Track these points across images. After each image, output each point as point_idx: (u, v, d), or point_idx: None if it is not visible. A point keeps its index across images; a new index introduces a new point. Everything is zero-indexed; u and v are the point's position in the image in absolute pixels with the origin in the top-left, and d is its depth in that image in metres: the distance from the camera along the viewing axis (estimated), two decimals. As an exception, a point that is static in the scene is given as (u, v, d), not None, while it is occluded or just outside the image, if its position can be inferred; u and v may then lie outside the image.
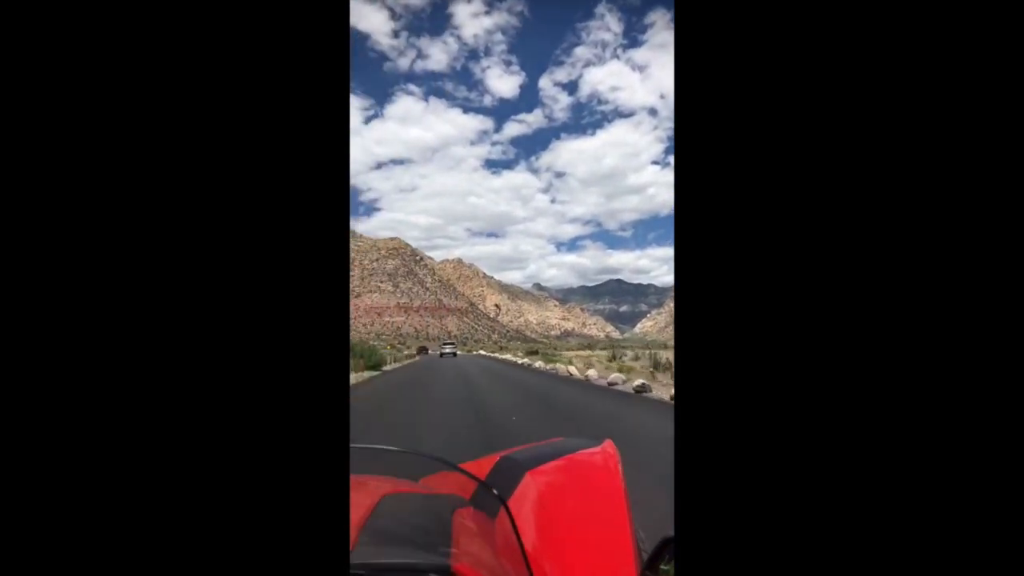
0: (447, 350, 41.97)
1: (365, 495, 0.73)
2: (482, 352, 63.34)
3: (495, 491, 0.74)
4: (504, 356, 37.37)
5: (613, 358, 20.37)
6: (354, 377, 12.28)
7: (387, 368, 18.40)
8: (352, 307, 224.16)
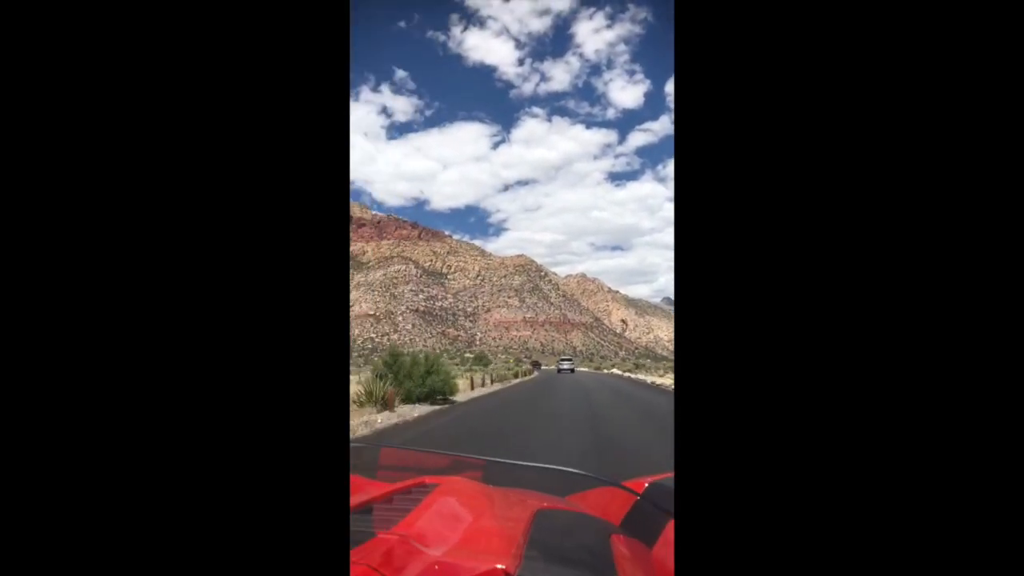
0: (565, 366, 41.14)
1: (521, 508, 0.72)
2: (616, 371, 48.01)
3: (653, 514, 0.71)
4: (658, 380, 23.51)
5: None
6: (380, 418, 7.63)
7: (461, 398, 11.70)
8: (482, 321, 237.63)
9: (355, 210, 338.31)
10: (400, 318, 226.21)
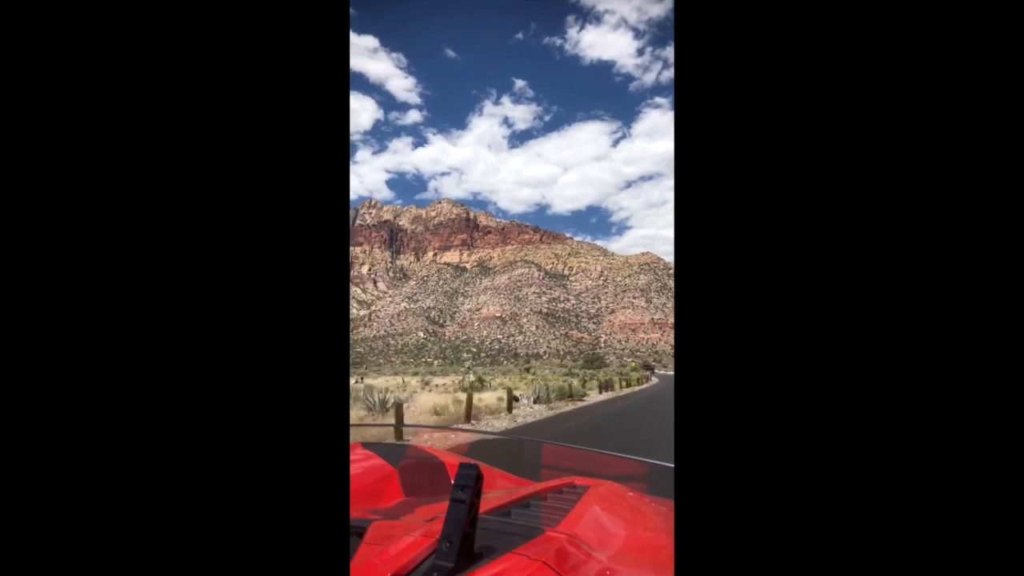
0: None
1: (669, 521, 0.71)
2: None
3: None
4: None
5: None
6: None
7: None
8: (606, 323, 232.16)
9: (481, 219, 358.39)
10: (524, 320, 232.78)
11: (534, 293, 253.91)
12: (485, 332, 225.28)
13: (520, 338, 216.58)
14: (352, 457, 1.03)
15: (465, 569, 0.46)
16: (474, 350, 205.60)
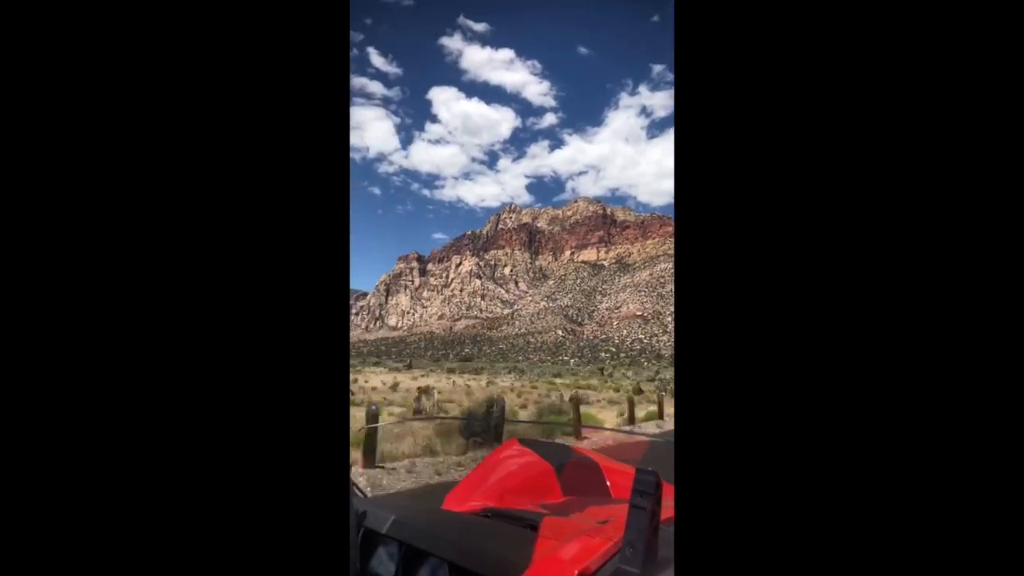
0: None
1: None
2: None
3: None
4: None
5: None
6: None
7: None
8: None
9: (618, 214, 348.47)
10: (670, 319, 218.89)
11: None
12: (625, 331, 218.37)
13: (664, 338, 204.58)
14: (508, 452, 1.08)
15: None
16: (612, 349, 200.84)
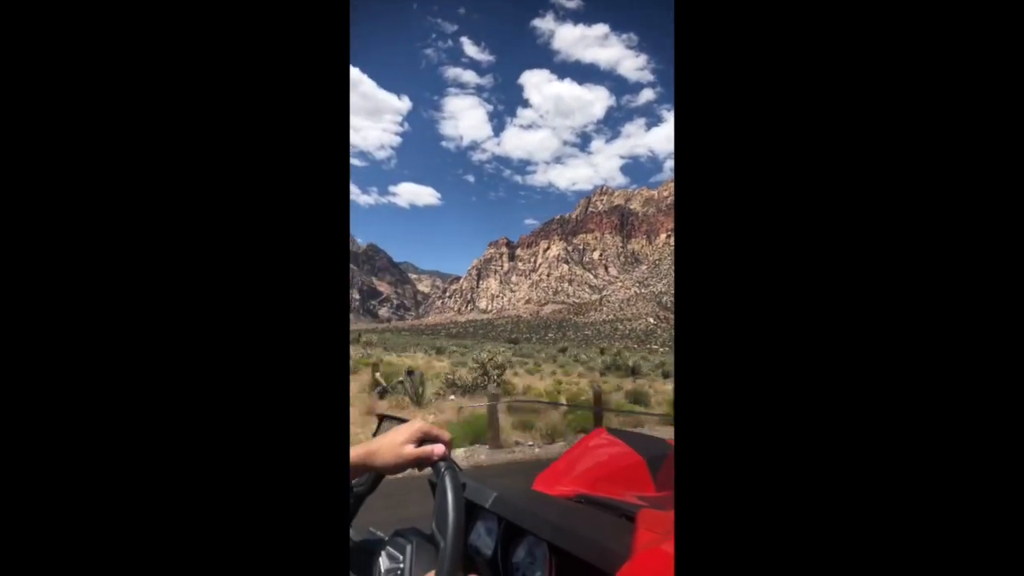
0: None
1: None
2: None
3: None
4: None
5: None
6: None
7: None
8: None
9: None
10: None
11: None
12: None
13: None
14: (597, 441, 1.07)
15: None
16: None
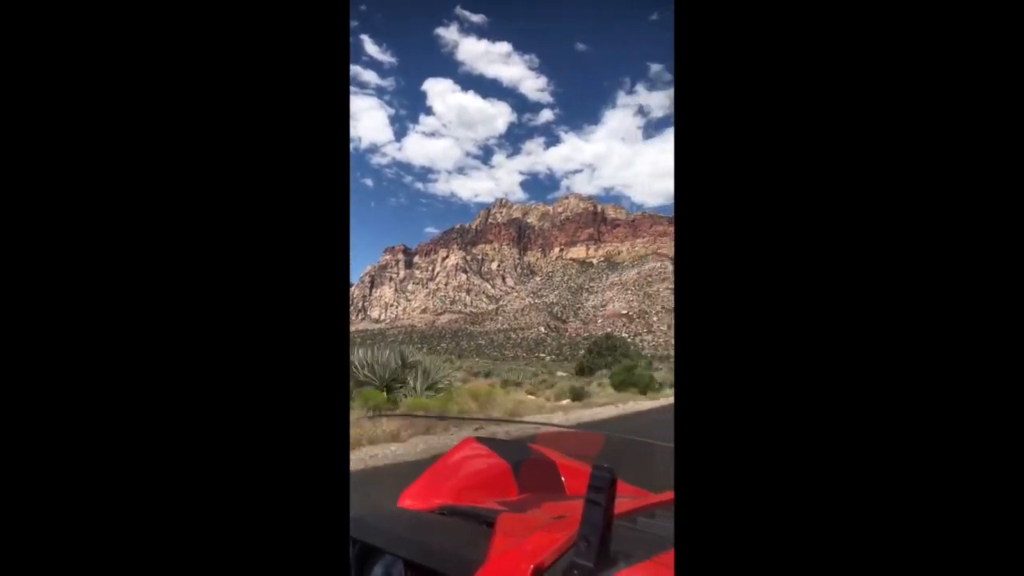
0: None
1: None
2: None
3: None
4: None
5: None
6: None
7: None
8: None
9: (609, 212, 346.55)
10: (655, 318, 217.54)
11: (667, 288, 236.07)
12: (609, 329, 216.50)
13: (648, 337, 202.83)
14: (465, 451, 1.09)
15: (604, 570, 0.47)
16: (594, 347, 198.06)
